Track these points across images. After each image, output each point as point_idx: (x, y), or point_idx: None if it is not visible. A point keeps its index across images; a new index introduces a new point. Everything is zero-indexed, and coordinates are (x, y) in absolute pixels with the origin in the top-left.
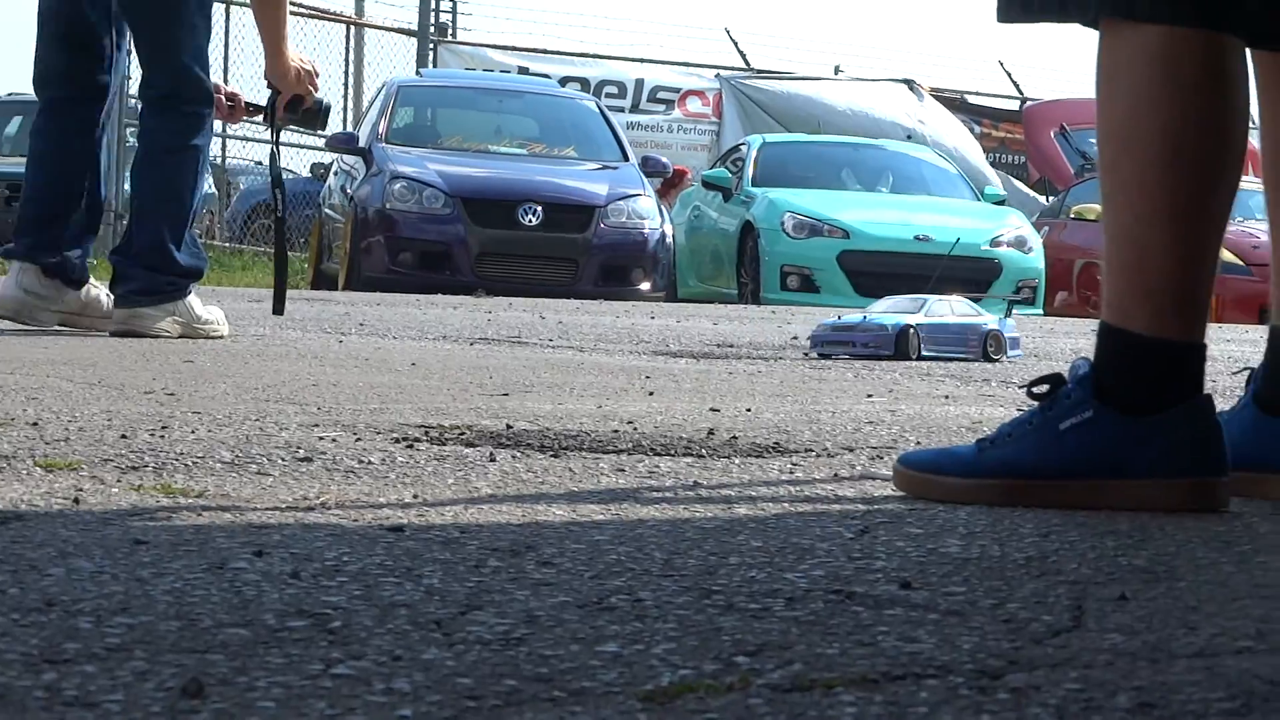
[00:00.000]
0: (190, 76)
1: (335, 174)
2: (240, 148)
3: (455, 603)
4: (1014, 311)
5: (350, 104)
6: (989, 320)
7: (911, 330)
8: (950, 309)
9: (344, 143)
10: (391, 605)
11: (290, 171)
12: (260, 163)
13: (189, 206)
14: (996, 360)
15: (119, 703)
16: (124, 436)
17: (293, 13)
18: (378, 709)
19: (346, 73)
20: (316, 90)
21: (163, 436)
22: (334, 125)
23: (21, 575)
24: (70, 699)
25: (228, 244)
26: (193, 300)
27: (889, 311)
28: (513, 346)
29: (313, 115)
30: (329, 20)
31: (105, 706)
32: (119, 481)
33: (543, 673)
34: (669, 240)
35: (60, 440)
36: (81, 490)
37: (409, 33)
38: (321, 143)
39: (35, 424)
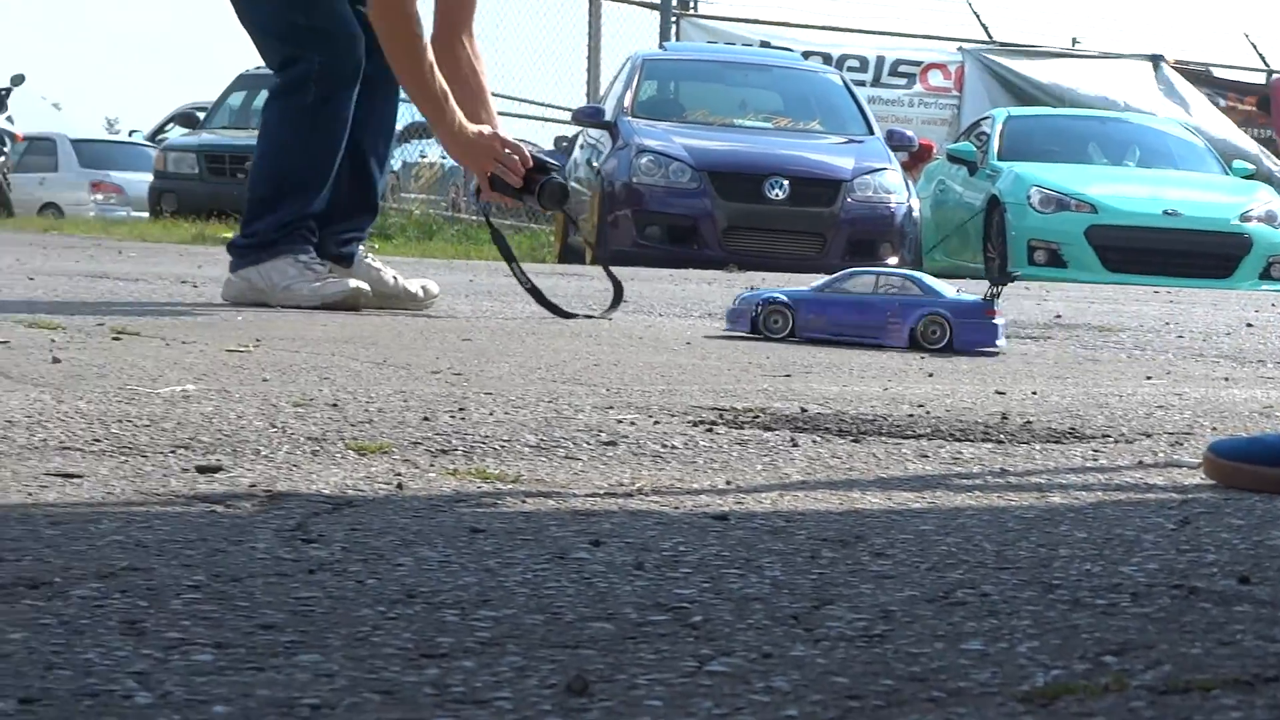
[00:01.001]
0: None
1: (581, 147)
2: None
3: (804, 596)
4: (1000, 294)
5: (589, 77)
6: (930, 303)
7: (777, 305)
8: (876, 284)
9: (589, 116)
10: (744, 599)
11: (532, 144)
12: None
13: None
14: (934, 349)
15: (508, 700)
16: (426, 419)
17: None
18: (762, 708)
19: (589, 46)
20: (523, 163)
21: (463, 419)
22: (575, 99)
23: (373, 565)
24: (459, 695)
25: (474, 217)
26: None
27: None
28: None
29: (549, 194)
30: None
31: (496, 704)
32: (433, 466)
33: (915, 671)
34: (915, 215)
35: (364, 422)
36: (400, 475)
37: (651, 6)
38: (567, 116)
39: (335, 405)
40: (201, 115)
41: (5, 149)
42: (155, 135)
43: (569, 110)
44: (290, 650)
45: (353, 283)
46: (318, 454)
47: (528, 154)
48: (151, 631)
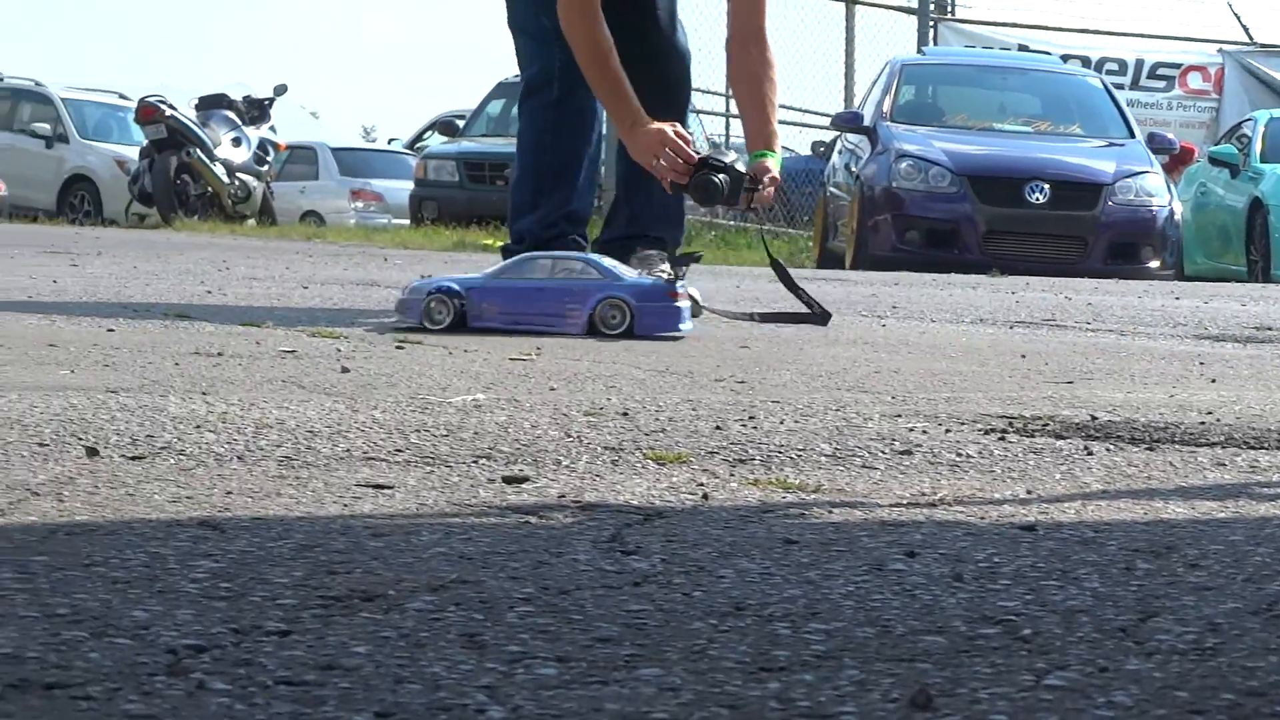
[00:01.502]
0: None
1: (839, 152)
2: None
3: (1128, 609)
4: (683, 275)
5: (846, 83)
6: (608, 286)
7: (445, 293)
8: (553, 268)
9: (848, 121)
10: (1069, 611)
11: (790, 150)
12: None
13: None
14: (611, 334)
15: (853, 714)
16: (718, 428)
17: None
18: None
19: (846, 52)
20: (687, 160)
21: (755, 427)
22: (832, 104)
23: (696, 577)
24: (805, 710)
25: (731, 222)
26: None
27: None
28: (1051, 330)
29: (696, 188)
30: None
31: (842, 718)
32: (733, 475)
33: (1253, 685)
34: (1177, 218)
35: (658, 431)
36: (703, 485)
37: (909, 11)
38: (824, 121)
39: (625, 414)
40: (460, 123)
41: (269, 158)
42: (414, 143)
43: (827, 115)
44: (631, 664)
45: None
46: (617, 464)
47: (690, 151)
48: (492, 645)
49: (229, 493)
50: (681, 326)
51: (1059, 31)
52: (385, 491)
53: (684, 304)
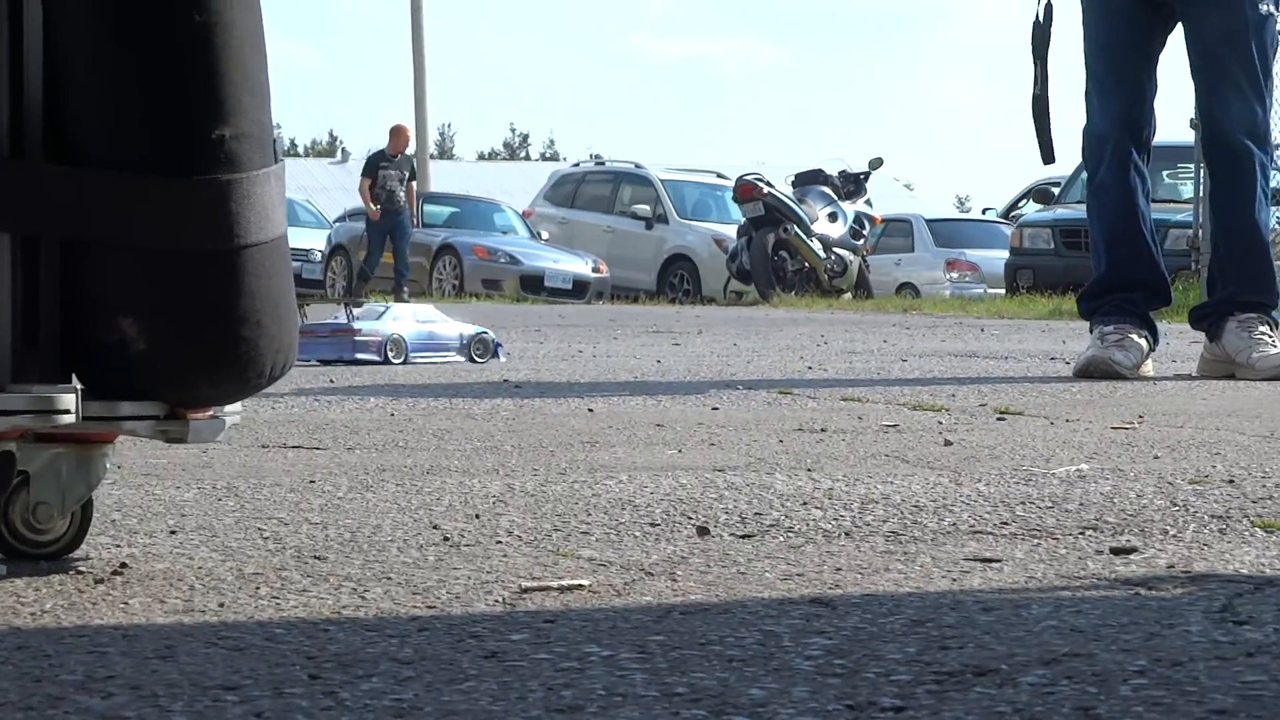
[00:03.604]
0: None
1: None
2: None
3: None
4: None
5: None
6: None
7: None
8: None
9: None
10: None
11: None
12: None
13: None
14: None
15: None
16: None
17: None
18: None
19: None
20: None
21: None
22: None
23: None
24: None
25: None
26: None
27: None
28: None
29: None
30: None
31: None
32: None
33: None
34: None
35: (1265, 498)
36: None
37: None
38: None
39: (1231, 481)
40: (1056, 190)
41: (865, 232)
42: (1009, 212)
43: None
44: None
45: (1100, 352)
46: (1225, 532)
47: None
48: (1105, 717)
49: (838, 569)
50: None
51: None
52: (993, 565)
53: None
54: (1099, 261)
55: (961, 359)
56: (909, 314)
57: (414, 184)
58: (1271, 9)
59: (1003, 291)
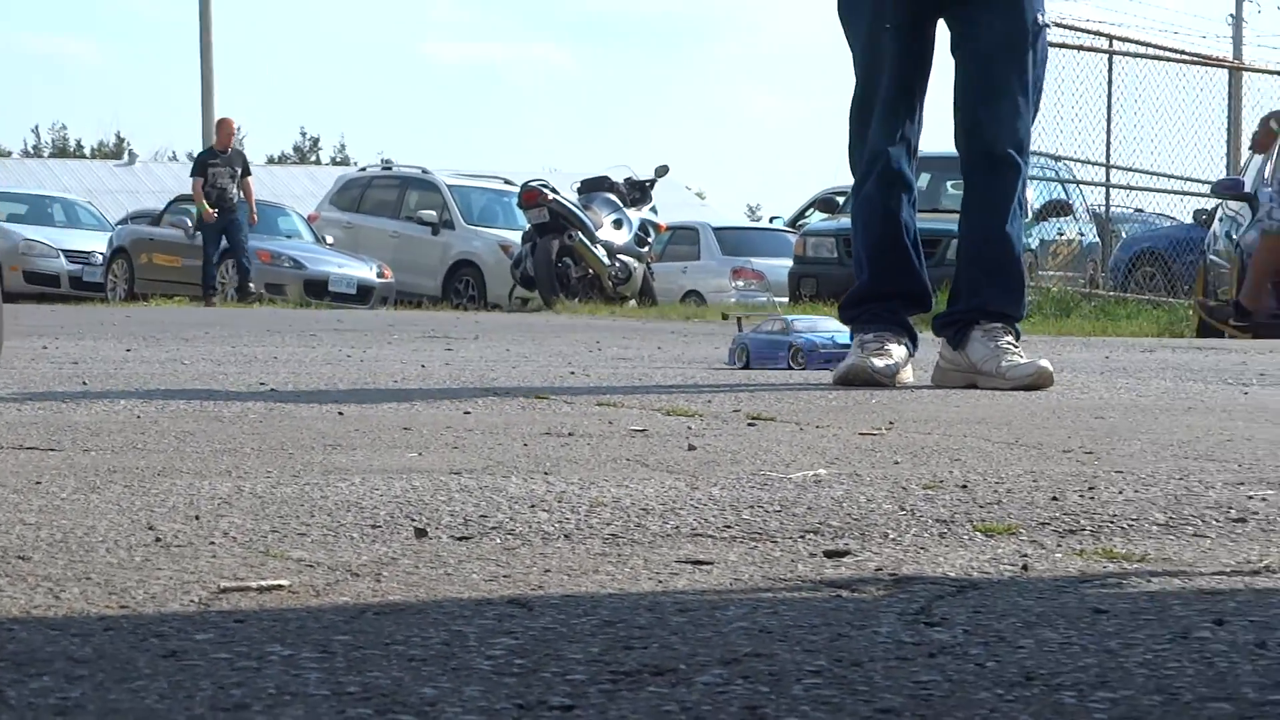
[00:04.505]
0: None
1: (1220, 220)
2: (1124, 196)
3: None
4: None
5: (1229, 149)
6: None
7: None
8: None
9: (1229, 188)
10: None
11: (1171, 219)
12: (1142, 210)
13: None
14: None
15: None
16: (1054, 499)
17: (1174, 59)
18: None
19: (1229, 119)
20: None
21: (1092, 498)
22: (1215, 172)
23: (994, 648)
24: None
25: (1111, 293)
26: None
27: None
28: None
29: None
30: (1210, 65)
31: None
32: (1059, 546)
33: None
34: None
35: (993, 503)
36: (1026, 555)
37: None
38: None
39: (964, 486)
40: (841, 200)
41: (650, 239)
42: (795, 221)
43: (1209, 183)
44: None
45: (1043, 362)
46: (945, 536)
47: None
48: (772, 717)
49: (547, 571)
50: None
51: None
52: (703, 567)
53: None
54: (860, 270)
55: (730, 366)
56: (691, 321)
57: (249, 179)
58: (1046, 20)
59: (787, 300)
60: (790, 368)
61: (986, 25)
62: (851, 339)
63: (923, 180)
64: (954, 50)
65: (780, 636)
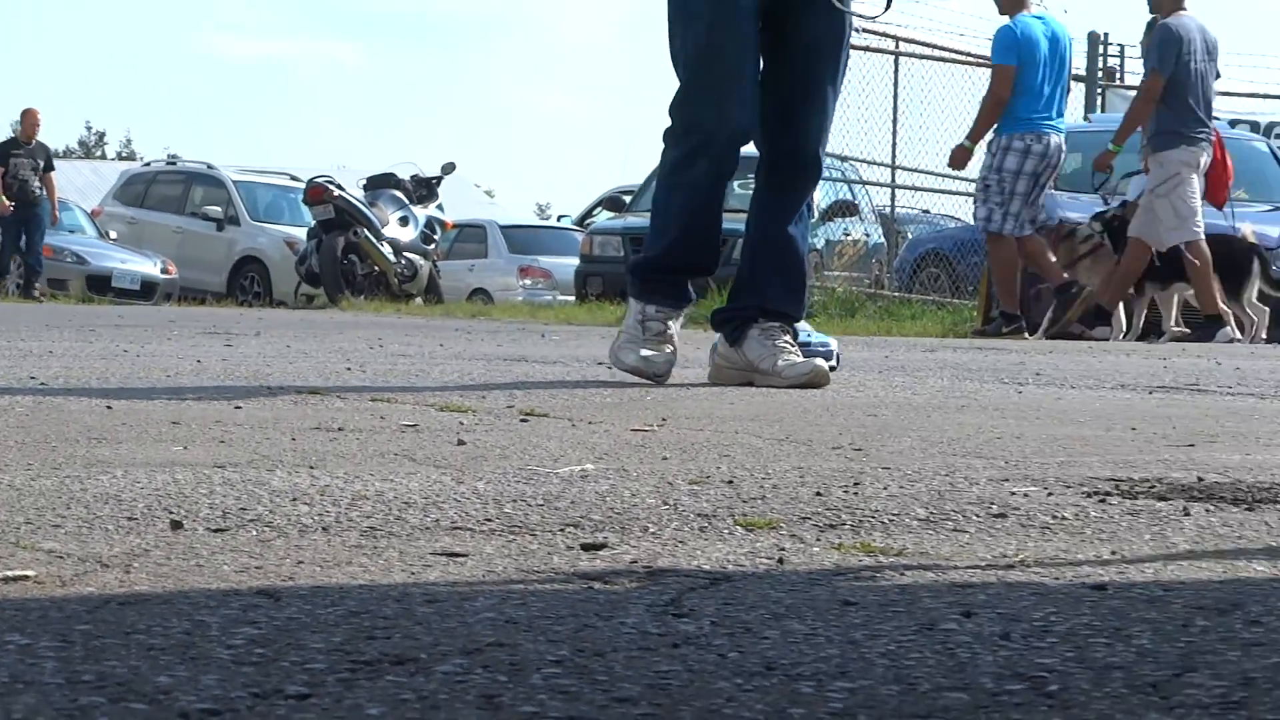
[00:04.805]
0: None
1: None
2: (909, 197)
3: (1168, 664)
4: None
5: None
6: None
7: None
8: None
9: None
10: (1105, 667)
11: (957, 220)
12: (928, 211)
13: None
14: None
15: None
16: (818, 494)
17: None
18: None
19: None
20: None
21: (856, 493)
22: None
23: (739, 639)
24: None
25: (896, 293)
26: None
27: None
28: (1192, 394)
29: None
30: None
31: None
32: (818, 540)
33: None
34: None
35: (757, 499)
36: (783, 550)
37: (1077, 78)
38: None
39: (730, 482)
40: (628, 198)
41: (436, 237)
42: (583, 219)
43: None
44: None
45: (819, 361)
46: (705, 530)
47: None
48: (508, 705)
49: (300, 562)
50: None
51: (1228, 96)
52: (458, 559)
53: None
54: (663, 235)
55: (510, 363)
56: (477, 319)
57: (52, 174)
58: (854, 23)
59: (574, 299)
60: None
61: (809, 24)
62: (637, 304)
63: None
64: (774, 46)
65: (526, 627)
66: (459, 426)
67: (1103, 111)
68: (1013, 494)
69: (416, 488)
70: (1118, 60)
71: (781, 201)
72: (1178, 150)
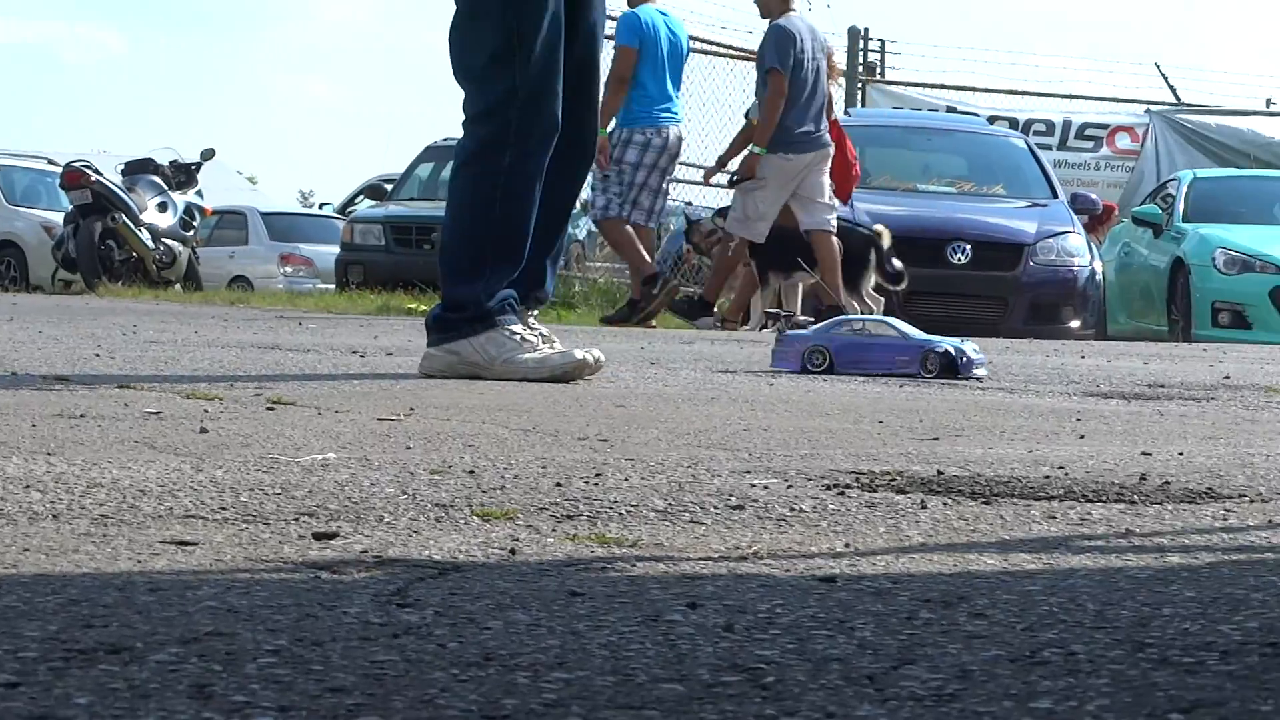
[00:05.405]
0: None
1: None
2: (675, 190)
3: (888, 656)
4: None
5: None
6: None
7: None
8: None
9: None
10: (824, 659)
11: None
12: (690, 203)
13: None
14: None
15: None
16: (559, 485)
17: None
18: None
19: None
20: None
21: (596, 484)
22: None
23: (461, 629)
24: None
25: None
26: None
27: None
28: (943, 388)
29: None
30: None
31: None
32: (554, 531)
33: None
34: (1099, 278)
35: (496, 489)
36: (517, 540)
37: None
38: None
39: (472, 472)
40: (390, 187)
41: (195, 223)
42: (345, 208)
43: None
44: (353, 713)
45: (579, 353)
46: (441, 520)
47: None
48: (219, 695)
49: (26, 550)
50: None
51: (987, 93)
52: (187, 548)
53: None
54: (504, 245)
55: (262, 351)
56: (235, 306)
57: None
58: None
59: (334, 287)
60: (920, 374)
61: (589, 14)
62: (496, 324)
63: (424, 170)
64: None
65: (247, 616)
66: (203, 414)
67: (863, 106)
68: (753, 486)
69: (154, 475)
70: (878, 55)
71: (557, 188)
72: (776, 156)
